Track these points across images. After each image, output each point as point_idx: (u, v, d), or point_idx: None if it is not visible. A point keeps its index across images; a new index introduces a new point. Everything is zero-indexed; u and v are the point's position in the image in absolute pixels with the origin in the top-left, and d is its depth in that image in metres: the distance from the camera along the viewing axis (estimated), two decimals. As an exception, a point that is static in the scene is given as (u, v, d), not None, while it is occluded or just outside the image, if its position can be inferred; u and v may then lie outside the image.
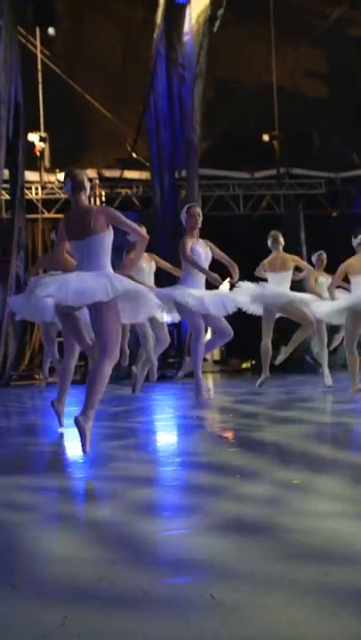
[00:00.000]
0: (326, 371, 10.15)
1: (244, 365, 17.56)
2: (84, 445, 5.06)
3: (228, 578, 2.66)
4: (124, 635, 2.21)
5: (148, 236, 5.35)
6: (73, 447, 6.43)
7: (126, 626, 2.27)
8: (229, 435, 6.00)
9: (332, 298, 8.16)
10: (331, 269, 10.52)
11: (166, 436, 6.57)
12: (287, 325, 10.44)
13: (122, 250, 14.23)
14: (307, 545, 3.02)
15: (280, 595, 2.46)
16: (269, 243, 9.37)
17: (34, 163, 15.38)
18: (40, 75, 15.38)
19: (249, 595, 2.48)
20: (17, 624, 2.32)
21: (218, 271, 7.33)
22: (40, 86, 15.31)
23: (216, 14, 13.67)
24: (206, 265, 7.34)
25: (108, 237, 5.13)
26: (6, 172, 13.61)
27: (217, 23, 13.77)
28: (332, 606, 2.35)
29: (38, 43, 15.33)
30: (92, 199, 16.19)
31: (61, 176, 16.16)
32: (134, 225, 5.15)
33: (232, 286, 8.16)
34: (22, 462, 5.47)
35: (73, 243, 5.18)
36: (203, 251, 7.31)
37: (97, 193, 16.22)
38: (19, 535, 3.39)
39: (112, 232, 5.17)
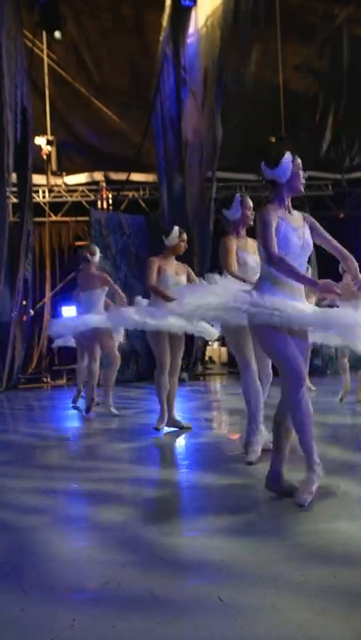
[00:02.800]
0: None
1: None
2: None
3: (237, 580, 2.66)
4: (133, 637, 2.22)
5: None
6: (81, 450, 6.44)
7: (136, 628, 2.28)
8: (237, 437, 5.99)
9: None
10: (336, 271, 10.51)
11: (174, 439, 6.57)
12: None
13: (127, 254, 14.30)
14: (315, 547, 3.03)
15: (288, 597, 2.47)
16: None
17: (41, 166, 15.43)
18: (47, 78, 15.42)
19: (258, 597, 2.48)
20: (27, 626, 2.34)
21: None
22: (47, 89, 15.34)
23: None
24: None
25: None
26: (14, 176, 13.64)
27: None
28: (341, 608, 2.35)
29: (45, 46, 15.36)
30: (100, 202, 16.23)
31: (68, 179, 16.21)
32: None
33: None
34: (30, 465, 5.49)
35: None
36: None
37: (104, 196, 16.25)
38: (27, 538, 3.40)
39: None
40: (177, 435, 6.73)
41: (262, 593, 2.51)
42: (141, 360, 13.82)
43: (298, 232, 3.83)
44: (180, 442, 6.49)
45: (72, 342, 9.50)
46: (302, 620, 2.26)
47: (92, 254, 8.70)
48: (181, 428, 6.83)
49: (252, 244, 5.21)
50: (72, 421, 8.64)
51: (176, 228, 6.66)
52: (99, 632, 2.26)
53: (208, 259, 13.70)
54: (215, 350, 19.18)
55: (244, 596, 2.50)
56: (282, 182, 3.80)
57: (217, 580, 2.67)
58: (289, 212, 3.87)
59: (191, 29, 14.70)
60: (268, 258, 3.73)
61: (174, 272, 6.62)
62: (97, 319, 8.09)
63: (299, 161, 3.82)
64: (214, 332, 6.55)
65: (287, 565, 2.79)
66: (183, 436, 6.76)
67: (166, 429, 6.74)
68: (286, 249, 3.77)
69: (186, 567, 2.86)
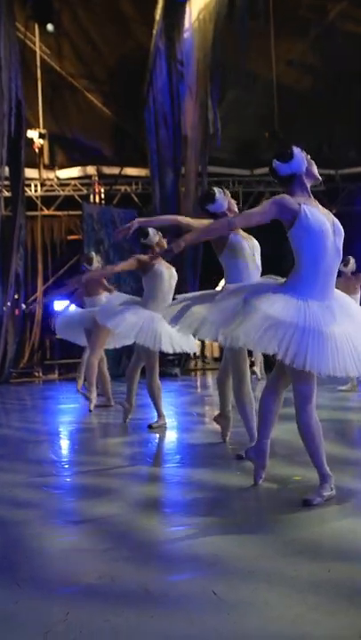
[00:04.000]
0: None
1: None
2: None
3: (230, 574, 2.67)
4: (127, 631, 2.22)
5: None
6: (73, 444, 6.44)
7: (129, 622, 2.28)
8: (230, 432, 5.99)
9: None
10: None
11: (167, 434, 6.57)
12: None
13: (120, 249, 14.28)
14: (308, 541, 3.04)
15: (282, 591, 2.48)
16: None
17: (33, 159, 15.37)
18: (39, 71, 15.36)
19: (251, 591, 2.49)
20: (20, 621, 2.34)
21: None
22: (39, 83, 15.28)
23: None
24: None
25: None
26: (6, 169, 13.59)
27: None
28: (334, 603, 2.36)
29: (37, 39, 15.30)
30: (92, 196, 16.19)
31: (60, 173, 16.15)
32: None
33: None
34: (23, 459, 5.48)
35: None
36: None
37: (96, 190, 16.21)
38: (21, 532, 3.40)
39: None
40: (169, 429, 6.74)
41: (255, 588, 2.52)
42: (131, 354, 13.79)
43: (325, 215, 3.77)
44: (173, 436, 6.49)
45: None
46: (295, 614, 2.27)
47: (89, 263, 8.69)
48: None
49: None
50: (64, 416, 8.64)
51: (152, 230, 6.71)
52: (92, 626, 2.26)
53: (200, 258, 13.75)
54: (207, 346, 19.17)
55: (236, 590, 2.51)
56: (302, 172, 3.78)
57: (210, 574, 2.68)
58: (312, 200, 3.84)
59: (186, 24, 14.66)
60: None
61: (165, 269, 6.66)
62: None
63: (306, 153, 3.84)
64: (194, 345, 6.62)
65: (280, 560, 2.79)
66: (176, 430, 6.77)
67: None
68: (319, 233, 3.67)
69: (179, 562, 2.86)
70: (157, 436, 6.36)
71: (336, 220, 3.79)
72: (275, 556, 2.85)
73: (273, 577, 2.61)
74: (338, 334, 3.57)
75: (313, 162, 3.83)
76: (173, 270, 6.76)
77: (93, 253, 9.06)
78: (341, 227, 3.78)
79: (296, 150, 3.77)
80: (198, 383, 13.18)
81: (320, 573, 2.62)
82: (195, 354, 15.61)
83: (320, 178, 3.88)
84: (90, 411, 8.09)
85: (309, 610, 2.31)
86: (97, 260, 8.71)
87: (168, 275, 6.67)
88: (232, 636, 2.15)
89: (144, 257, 6.69)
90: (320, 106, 15.41)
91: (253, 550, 2.95)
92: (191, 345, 6.50)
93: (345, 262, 8.55)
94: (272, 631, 2.17)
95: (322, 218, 3.68)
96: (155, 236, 6.72)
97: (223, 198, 5.17)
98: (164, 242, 6.78)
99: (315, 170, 3.82)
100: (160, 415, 6.71)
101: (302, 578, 2.58)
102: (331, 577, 2.59)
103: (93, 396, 8.17)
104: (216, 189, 5.23)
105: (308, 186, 3.82)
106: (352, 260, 9.10)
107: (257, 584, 2.55)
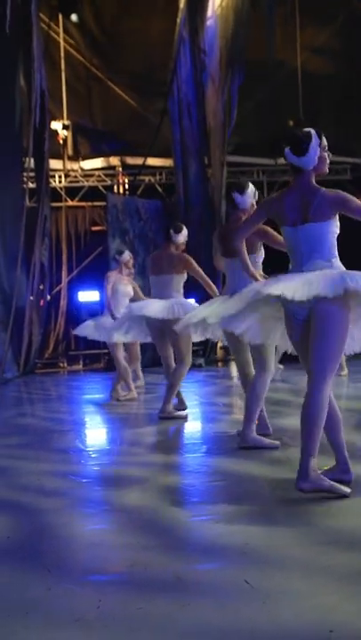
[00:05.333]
0: None
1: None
2: None
3: (262, 564, 2.64)
4: (159, 619, 2.20)
5: None
6: (99, 434, 6.45)
7: (162, 610, 2.26)
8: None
9: None
10: (356, 258, 10.41)
11: (192, 424, 6.56)
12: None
13: (145, 239, 14.26)
14: (340, 531, 3.00)
15: (315, 581, 2.44)
16: None
17: (57, 151, 15.39)
18: (63, 62, 15.36)
19: (285, 580, 2.46)
20: (53, 608, 2.33)
21: None
22: (63, 74, 15.29)
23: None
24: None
25: None
26: (31, 161, 13.62)
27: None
28: (369, 592, 2.33)
29: (61, 30, 15.30)
30: (116, 187, 16.18)
31: (84, 164, 16.16)
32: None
33: None
34: (49, 449, 5.49)
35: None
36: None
37: (120, 181, 16.19)
38: (49, 521, 3.39)
39: None
40: (195, 419, 6.72)
41: (288, 577, 2.49)
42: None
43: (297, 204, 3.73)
44: (199, 426, 6.48)
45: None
46: (331, 604, 2.24)
47: (120, 254, 8.68)
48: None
49: None
50: (89, 406, 8.65)
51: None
52: (125, 613, 2.24)
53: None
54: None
55: (269, 579, 2.48)
56: (309, 169, 3.72)
57: (242, 563, 2.65)
58: None
59: (209, 12, 14.58)
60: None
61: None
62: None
63: (325, 142, 3.71)
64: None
65: (313, 550, 2.76)
66: (201, 420, 6.75)
67: (187, 411, 6.72)
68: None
69: (210, 550, 2.84)
70: (183, 426, 6.34)
71: (307, 208, 3.72)
72: (308, 546, 2.81)
73: (307, 566, 2.58)
74: None
75: (326, 157, 3.72)
76: None
77: (127, 251, 9.02)
78: None
79: (313, 146, 3.65)
80: (222, 374, 13.14)
81: (355, 563, 2.58)
82: (217, 344, 15.60)
83: (327, 172, 3.78)
84: (118, 400, 8.13)
85: (344, 599, 2.27)
86: (128, 254, 8.69)
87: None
88: (266, 626, 2.13)
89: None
90: (345, 93, 15.25)
91: (285, 539, 2.91)
92: (216, 332, 6.46)
93: None
94: (307, 621, 2.14)
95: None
96: (184, 236, 6.67)
97: (251, 196, 5.13)
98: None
99: (325, 166, 3.73)
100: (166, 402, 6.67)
101: (337, 567, 2.54)
102: (365, 566, 2.55)
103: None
104: (250, 185, 5.19)
105: (314, 179, 3.73)
106: None
107: (290, 573, 2.52)
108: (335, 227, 3.67)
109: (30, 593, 2.46)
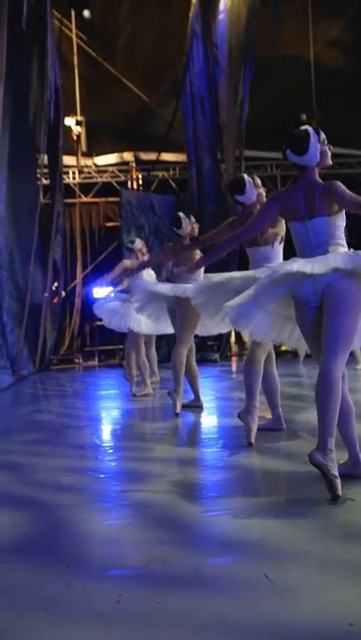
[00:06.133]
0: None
1: (283, 348, 17.43)
2: None
3: (280, 558, 2.64)
4: (179, 613, 2.21)
5: None
6: (115, 429, 6.46)
7: (181, 604, 2.27)
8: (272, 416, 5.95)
9: None
10: None
11: (208, 418, 6.57)
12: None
13: (159, 234, 14.26)
14: (356, 525, 3.00)
15: (334, 574, 2.44)
16: None
17: (70, 147, 15.41)
18: (76, 58, 15.38)
19: (302, 574, 2.46)
20: (72, 603, 2.34)
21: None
22: (76, 70, 15.30)
23: None
24: None
25: None
26: (45, 157, 13.64)
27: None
28: (387, 586, 2.32)
29: (74, 26, 15.31)
30: (130, 182, 16.18)
31: (98, 160, 16.17)
32: None
33: None
34: (65, 444, 5.51)
35: None
36: None
37: (134, 176, 16.20)
38: (67, 516, 3.41)
39: None
40: (211, 414, 6.73)
41: (306, 571, 2.49)
42: (172, 341, 13.79)
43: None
44: (214, 421, 6.48)
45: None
46: (350, 598, 2.24)
47: (132, 243, 8.72)
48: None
49: None
50: (105, 401, 8.67)
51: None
52: (144, 608, 2.25)
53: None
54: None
55: (287, 573, 2.48)
56: (312, 166, 3.73)
57: (260, 557, 2.66)
58: None
59: (221, 6, 14.53)
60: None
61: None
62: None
63: (323, 136, 3.74)
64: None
65: (332, 543, 2.76)
66: (217, 415, 6.75)
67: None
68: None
69: (227, 545, 2.85)
70: (199, 421, 6.35)
71: (310, 203, 3.75)
72: (326, 540, 2.81)
73: (325, 560, 2.58)
74: None
75: (327, 150, 3.74)
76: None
77: (137, 238, 9.06)
78: None
79: (312, 143, 3.67)
80: (237, 368, 13.12)
81: (372, 557, 2.58)
82: (233, 339, 15.60)
83: (330, 163, 3.81)
84: (134, 395, 8.15)
85: (363, 593, 2.27)
86: (140, 242, 8.72)
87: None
88: (285, 620, 2.13)
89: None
90: (358, 86, 15.16)
91: (303, 533, 2.91)
92: (225, 325, 6.50)
93: None
94: (325, 615, 2.14)
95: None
96: (187, 225, 6.71)
97: (253, 190, 5.13)
98: (196, 229, 6.78)
99: (327, 160, 3.75)
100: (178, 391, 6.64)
101: (355, 561, 2.54)
102: (383, 560, 2.55)
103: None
104: (246, 179, 5.18)
105: (317, 174, 3.76)
106: None
107: (308, 567, 2.52)
108: (342, 220, 3.71)
109: (49, 588, 2.48)
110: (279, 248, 5.04)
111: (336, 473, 3.39)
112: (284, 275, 3.69)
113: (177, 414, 6.44)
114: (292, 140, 3.72)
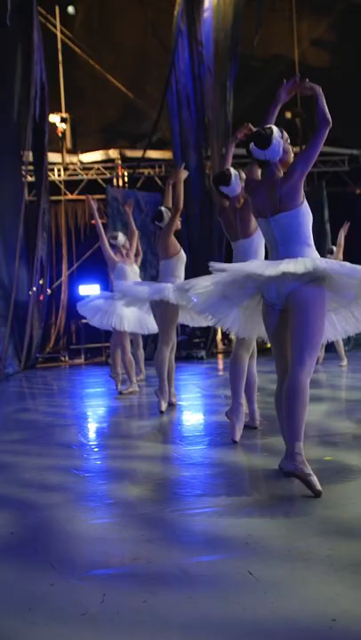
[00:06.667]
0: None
1: (268, 345, 17.47)
2: None
3: (265, 554, 2.66)
4: (165, 611, 2.22)
5: None
6: (101, 428, 6.46)
7: (167, 603, 2.27)
8: (257, 413, 5.97)
9: None
10: (354, 247, 10.43)
11: (194, 416, 6.58)
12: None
13: (146, 231, 14.23)
14: (342, 521, 3.01)
15: (318, 570, 2.46)
16: None
17: (55, 144, 15.35)
18: (60, 55, 15.31)
19: (287, 571, 2.47)
20: (57, 602, 2.34)
21: None
22: (60, 66, 15.24)
23: None
24: None
25: None
26: (30, 154, 13.58)
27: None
28: (371, 582, 2.34)
29: (58, 22, 15.25)
30: (115, 180, 16.15)
31: (83, 157, 16.13)
32: None
33: None
34: (51, 443, 5.50)
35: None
36: None
37: (120, 174, 16.17)
38: (53, 515, 3.41)
39: None
40: (197, 411, 6.74)
41: (291, 567, 2.51)
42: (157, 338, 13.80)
43: (266, 194, 3.83)
44: (201, 419, 6.49)
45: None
46: (334, 593, 2.26)
47: (115, 238, 8.73)
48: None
49: None
50: (91, 399, 8.67)
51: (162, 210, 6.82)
52: (130, 607, 2.26)
53: (225, 239, 13.55)
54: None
55: (272, 570, 2.49)
56: (275, 161, 3.80)
57: (245, 554, 2.67)
58: None
59: (206, 4, 14.52)
60: None
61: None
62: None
63: (286, 135, 3.85)
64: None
65: (315, 540, 2.78)
66: (203, 412, 6.76)
67: (188, 404, 6.74)
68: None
69: (213, 542, 2.86)
70: (185, 418, 6.36)
71: (278, 197, 3.80)
72: (309, 536, 2.83)
73: (309, 556, 2.59)
74: None
75: (290, 149, 3.83)
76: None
77: (119, 232, 9.04)
78: None
79: (275, 137, 3.75)
80: (224, 366, 13.15)
81: (356, 552, 2.60)
82: (220, 336, 15.62)
83: (291, 161, 3.85)
84: (120, 393, 8.15)
85: (347, 588, 2.29)
86: (122, 237, 8.72)
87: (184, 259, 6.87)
88: (271, 616, 2.14)
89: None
90: (342, 85, 15.20)
91: (287, 530, 2.93)
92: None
93: None
94: (311, 610, 2.15)
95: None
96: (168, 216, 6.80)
97: (238, 183, 5.18)
98: (180, 223, 6.88)
99: (290, 157, 3.83)
100: (163, 391, 6.72)
101: (339, 557, 2.56)
102: (367, 556, 2.57)
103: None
104: (232, 171, 5.22)
105: (279, 172, 3.80)
106: None
107: (293, 563, 2.54)
108: (306, 213, 3.77)
109: (34, 588, 2.48)
110: (260, 240, 5.07)
111: (309, 471, 3.44)
112: (244, 276, 3.76)
113: (162, 412, 6.47)
114: (256, 135, 3.81)
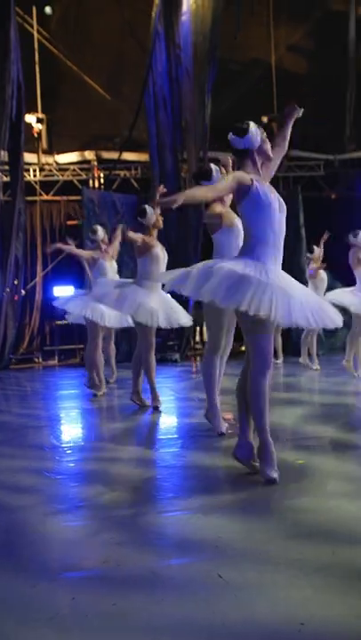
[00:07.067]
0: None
1: (242, 348, 17.53)
2: None
3: (235, 558, 2.67)
4: (134, 614, 2.22)
5: None
6: (74, 430, 6.44)
7: (137, 605, 2.28)
8: (230, 416, 6.00)
9: None
10: (330, 252, 10.49)
11: (168, 419, 6.58)
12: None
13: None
14: (312, 524, 3.04)
15: (288, 574, 2.48)
16: None
17: (31, 144, 15.26)
18: (37, 55, 15.24)
19: (257, 574, 2.49)
20: (27, 606, 2.33)
21: None
22: (37, 66, 15.17)
23: None
24: None
25: None
26: (5, 154, 13.49)
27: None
28: (340, 585, 2.37)
29: (35, 22, 15.18)
30: (91, 181, 16.11)
31: (59, 158, 16.06)
32: None
33: None
34: (24, 445, 5.48)
35: None
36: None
37: (95, 175, 16.12)
38: (24, 518, 3.40)
39: None
40: (171, 414, 6.74)
41: (261, 570, 2.52)
42: (133, 340, 13.78)
43: (274, 194, 3.98)
44: (174, 421, 6.49)
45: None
46: (303, 596, 2.27)
47: (94, 233, 8.69)
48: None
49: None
50: (64, 401, 8.63)
51: (149, 207, 6.92)
52: (99, 609, 2.26)
53: (200, 238, 13.57)
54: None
55: (242, 573, 2.51)
56: (254, 149, 3.95)
57: (215, 557, 2.68)
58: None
59: (184, 7, 14.54)
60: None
61: (160, 250, 6.81)
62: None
63: (263, 131, 3.98)
64: (189, 318, 6.88)
65: (285, 543, 2.80)
66: (177, 415, 6.77)
67: (162, 406, 6.75)
68: (267, 206, 3.91)
69: (184, 545, 2.86)
70: (158, 421, 6.36)
71: (280, 198, 4.02)
72: (280, 540, 2.85)
73: (279, 560, 2.61)
74: (298, 293, 3.81)
75: (268, 140, 3.99)
76: (165, 251, 6.91)
77: (98, 226, 8.94)
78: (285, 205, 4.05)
79: (252, 127, 3.92)
80: (197, 368, 13.17)
81: (325, 556, 2.62)
82: (194, 340, 15.63)
83: (272, 156, 4.05)
84: (95, 395, 8.07)
85: (316, 591, 2.31)
86: (102, 231, 8.65)
87: (163, 256, 6.80)
88: (240, 618, 2.16)
89: (148, 238, 6.78)
90: (318, 91, 15.33)
91: (258, 534, 2.95)
92: (186, 319, 6.67)
93: (354, 234, 8.41)
94: (280, 613, 2.17)
95: (270, 194, 3.92)
96: (152, 215, 6.80)
97: (219, 177, 5.22)
98: (161, 221, 6.91)
99: (268, 148, 3.99)
100: (154, 397, 6.75)
101: (308, 560, 2.58)
102: (336, 559, 2.59)
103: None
104: (213, 167, 5.31)
105: (260, 163, 4.00)
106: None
107: (263, 566, 2.55)
108: (243, 209, 3.95)
109: (4, 591, 2.47)
110: (229, 234, 5.14)
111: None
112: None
113: (156, 408, 6.70)
114: (235, 126, 3.96)
